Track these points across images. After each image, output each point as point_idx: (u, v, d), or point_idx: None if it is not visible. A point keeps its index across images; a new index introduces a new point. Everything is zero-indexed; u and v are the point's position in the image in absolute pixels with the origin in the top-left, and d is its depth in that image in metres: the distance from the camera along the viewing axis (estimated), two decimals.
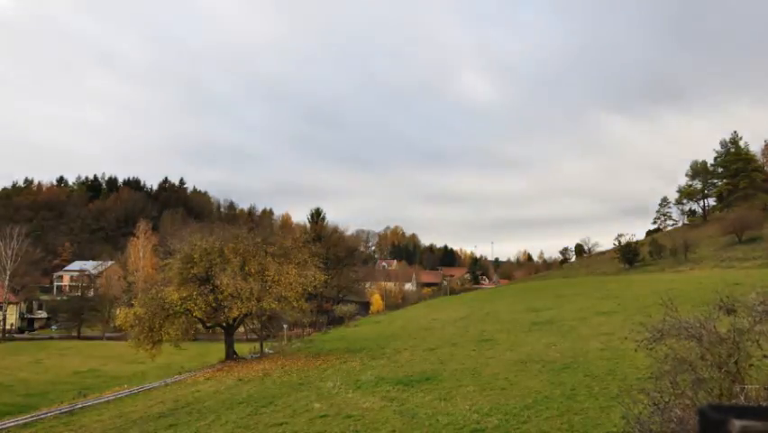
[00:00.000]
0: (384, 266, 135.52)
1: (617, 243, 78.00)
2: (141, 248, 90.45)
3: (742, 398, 7.09)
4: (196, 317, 32.76)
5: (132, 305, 37.59)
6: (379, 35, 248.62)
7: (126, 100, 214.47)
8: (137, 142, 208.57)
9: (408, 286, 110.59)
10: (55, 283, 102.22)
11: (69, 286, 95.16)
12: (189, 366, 35.80)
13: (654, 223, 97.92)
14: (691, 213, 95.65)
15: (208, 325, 35.47)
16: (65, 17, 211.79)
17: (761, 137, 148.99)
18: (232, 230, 38.70)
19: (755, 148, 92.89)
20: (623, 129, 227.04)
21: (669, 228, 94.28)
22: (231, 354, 34.74)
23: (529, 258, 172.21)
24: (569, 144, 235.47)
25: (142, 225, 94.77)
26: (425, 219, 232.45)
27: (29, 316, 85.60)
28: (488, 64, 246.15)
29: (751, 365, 7.69)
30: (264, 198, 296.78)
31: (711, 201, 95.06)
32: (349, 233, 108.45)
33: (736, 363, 7.37)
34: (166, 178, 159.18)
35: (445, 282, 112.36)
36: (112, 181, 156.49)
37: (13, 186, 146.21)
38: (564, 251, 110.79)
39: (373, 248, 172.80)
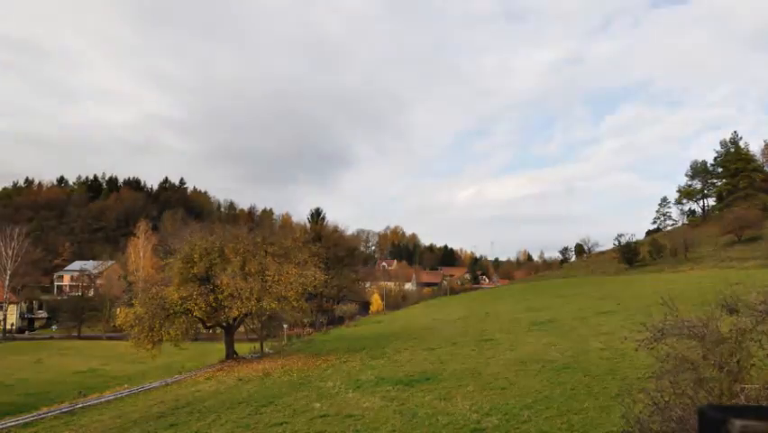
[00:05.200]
0: (384, 266, 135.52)
1: (616, 243, 78.24)
2: (141, 248, 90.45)
3: (742, 398, 7.08)
4: (196, 316, 32.75)
5: (132, 305, 37.57)
6: None
7: None
8: None
9: (408, 286, 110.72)
10: (55, 283, 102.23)
11: (69, 286, 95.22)
12: (189, 366, 35.82)
13: (654, 223, 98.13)
14: (691, 213, 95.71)
15: (208, 325, 35.46)
16: None
17: (761, 137, 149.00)
18: (232, 230, 38.74)
19: (755, 148, 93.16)
20: None
21: (669, 228, 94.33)
22: (231, 354, 34.74)
23: (529, 258, 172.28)
24: None
25: (142, 225, 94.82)
26: None
27: (29, 316, 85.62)
28: None
29: (752, 365, 7.68)
30: None
31: (711, 201, 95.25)
32: (349, 233, 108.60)
33: (738, 362, 7.35)
34: (166, 178, 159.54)
35: (445, 282, 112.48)
36: (112, 181, 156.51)
37: (14, 186, 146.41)
38: (564, 251, 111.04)
39: (373, 248, 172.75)
